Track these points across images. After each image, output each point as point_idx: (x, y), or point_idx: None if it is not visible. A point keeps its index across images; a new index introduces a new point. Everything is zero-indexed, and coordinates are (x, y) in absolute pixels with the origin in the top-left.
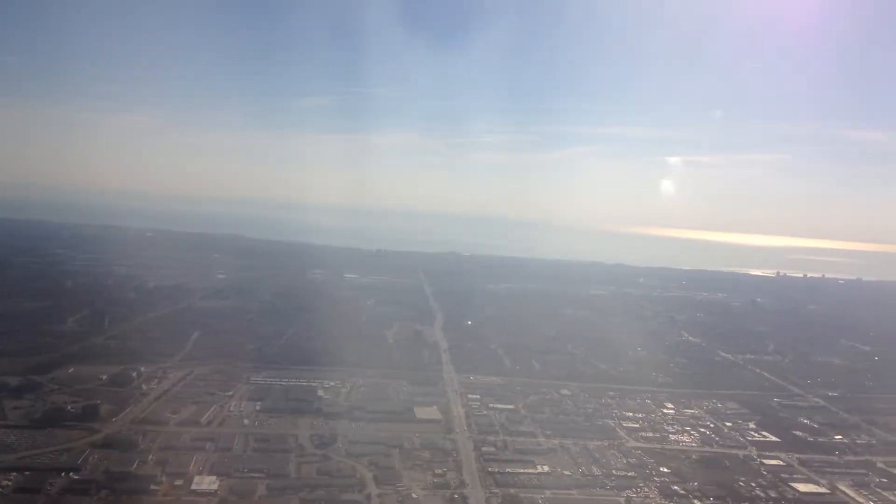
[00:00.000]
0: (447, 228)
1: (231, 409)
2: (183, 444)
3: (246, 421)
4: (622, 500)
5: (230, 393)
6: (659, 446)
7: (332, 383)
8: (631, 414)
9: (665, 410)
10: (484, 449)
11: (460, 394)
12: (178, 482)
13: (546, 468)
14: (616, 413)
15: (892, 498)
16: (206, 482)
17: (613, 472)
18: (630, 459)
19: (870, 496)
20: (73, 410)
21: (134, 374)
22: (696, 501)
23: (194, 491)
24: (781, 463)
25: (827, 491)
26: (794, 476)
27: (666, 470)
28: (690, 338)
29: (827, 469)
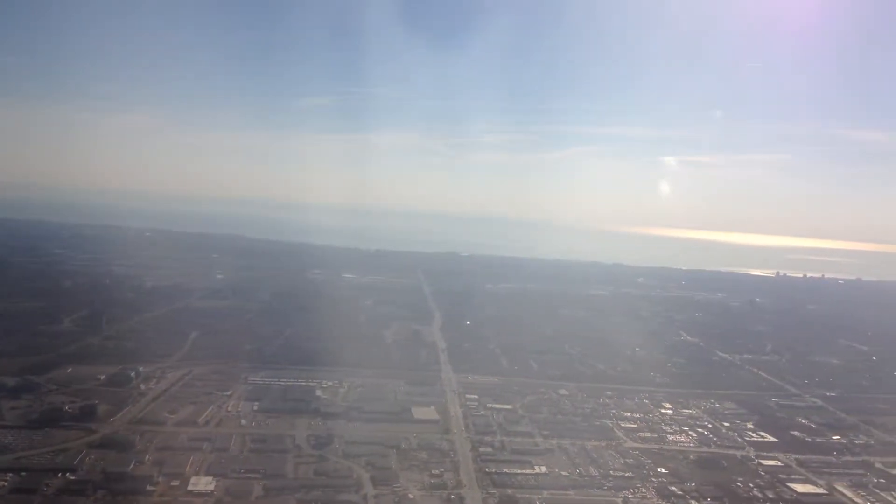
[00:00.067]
0: (447, 228)
1: (229, 409)
2: (180, 444)
3: (243, 421)
4: (619, 500)
5: (228, 393)
6: (657, 447)
7: (329, 383)
8: (629, 414)
9: (663, 410)
10: (481, 449)
11: (458, 394)
12: (175, 483)
13: (543, 468)
14: (614, 413)
15: (889, 498)
16: (203, 483)
17: (611, 472)
18: (627, 460)
19: (867, 496)
20: (70, 411)
21: (132, 375)
22: (693, 502)
23: (191, 491)
24: (779, 463)
25: (824, 491)
26: (792, 476)
27: (663, 470)
28: (689, 338)
29: (825, 469)
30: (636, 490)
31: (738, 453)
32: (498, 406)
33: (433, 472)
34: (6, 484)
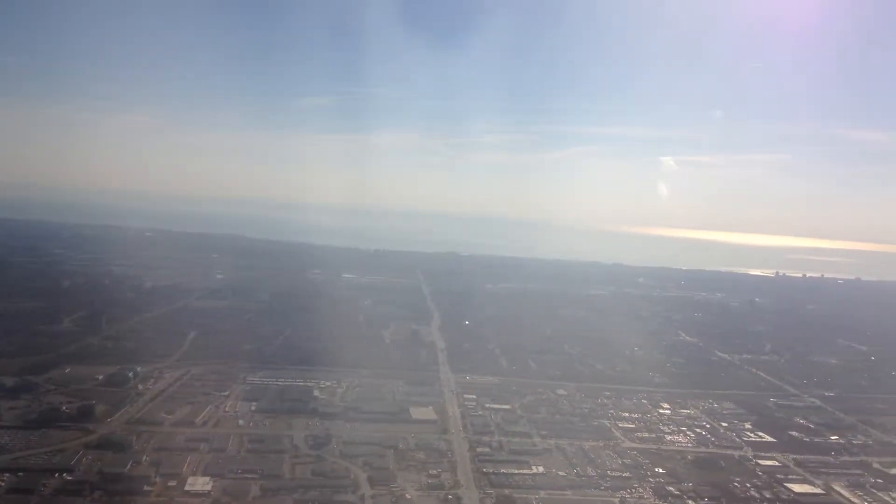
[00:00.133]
0: (447, 228)
1: (227, 409)
2: (177, 444)
3: (241, 421)
4: (616, 500)
5: (226, 393)
6: (654, 447)
7: (328, 383)
8: (627, 414)
9: (661, 411)
10: (479, 449)
11: (456, 394)
12: (172, 483)
13: (541, 469)
14: (612, 413)
15: (887, 498)
16: (200, 483)
17: (608, 472)
18: (625, 460)
19: (865, 497)
20: (68, 411)
21: (130, 375)
22: (690, 502)
23: (188, 492)
24: (777, 463)
25: (822, 492)
26: (790, 477)
27: (661, 470)
28: (688, 338)
29: (822, 470)
30: (633, 490)
31: (736, 453)
32: (496, 406)
33: (431, 472)
34: (3, 484)
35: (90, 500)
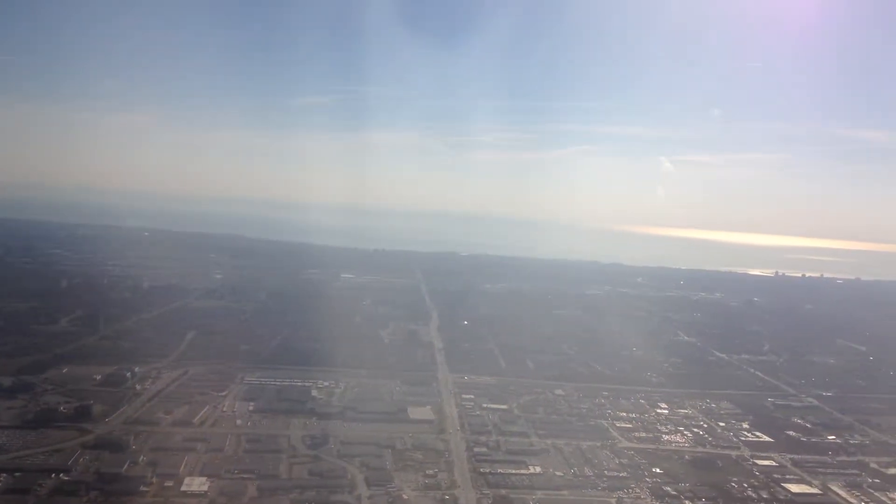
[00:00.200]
0: (446, 228)
1: (224, 409)
2: (175, 444)
3: (239, 421)
4: (613, 500)
5: (224, 393)
6: (652, 447)
7: (325, 383)
8: (624, 414)
9: (659, 410)
10: (476, 449)
11: (454, 394)
12: (169, 483)
13: (538, 469)
14: (610, 413)
15: (883, 498)
16: (197, 483)
17: (605, 472)
18: (622, 460)
19: (862, 497)
20: (65, 411)
21: (128, 375)
22: (687, 502)
23: (184, 492)
24: (774, 463)
25: (819, 492)
26: (787, 476)
27: (658, 470)
28: (686, 338)
29: (819, 469)
30: (630, 490)
31: (734, 453)
32: (494, 406)
33: (428, 472)
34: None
35: (86, 501)
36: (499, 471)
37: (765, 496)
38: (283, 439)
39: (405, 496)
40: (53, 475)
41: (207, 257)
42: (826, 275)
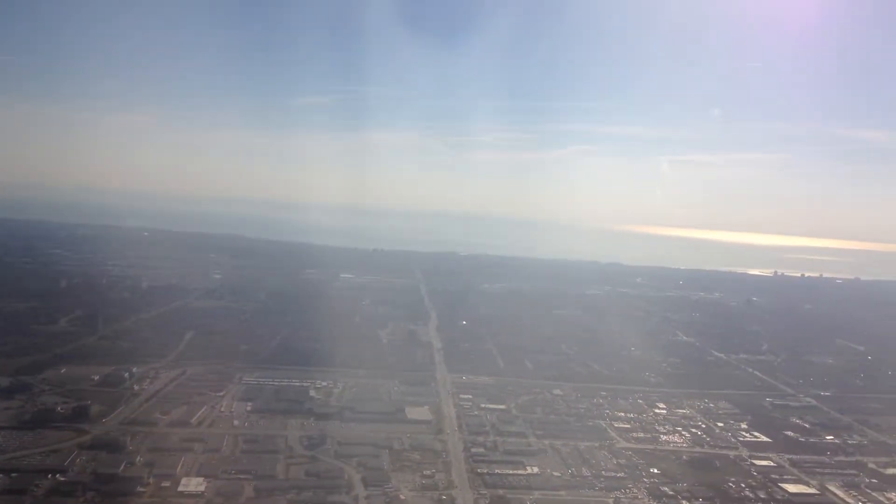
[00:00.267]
0: (446, 228)
1: (222, 409)
2: (172, 445)
3: (236, 422)
4: (611, 501)
5: (222, 393)
6: (650, 447)
7: (324, 384)
8: (622, 414)
9: (657, 411)
10: (474, 450)
11: (452, 394)
12: (166, 484)
13: (535, 469)
14: (608, 413)
15: (881, 499)
16: (194, 484)
17: (603, 472)
18: (620, 460)
19: (860, 497)
20: (62, 411)
21: (126, 375)
22: (684, 502)
23: (181, 493)
24: (772, 463)
25: (817, 492)
26: (785, 477)
27: (656, 471)
28: (685, 337)
29: (817, 470)
30: (627, 490)
31: (732, 453)
32: (492, 406)
33: (425, 472)
34: None
35: (83, 501)
36: (496, 471)
37: (762, 496)
38: (280, 440)
39: (402, 496)
40: (50, 476)
41: (207, 257)
42: (825, 275)
